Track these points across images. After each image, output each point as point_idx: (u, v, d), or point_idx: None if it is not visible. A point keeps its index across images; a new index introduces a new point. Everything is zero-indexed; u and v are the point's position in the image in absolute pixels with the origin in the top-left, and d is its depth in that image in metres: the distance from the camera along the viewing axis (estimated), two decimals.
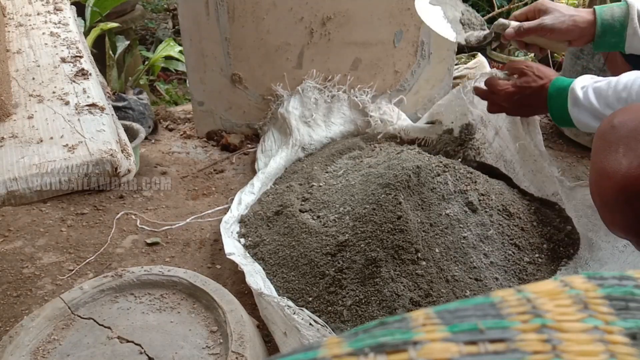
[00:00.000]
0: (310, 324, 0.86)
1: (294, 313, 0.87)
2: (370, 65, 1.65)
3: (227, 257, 1.04)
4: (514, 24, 1.01)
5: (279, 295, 1.00)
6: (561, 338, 0.20)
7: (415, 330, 0.21)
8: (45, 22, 2.02)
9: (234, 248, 1.09)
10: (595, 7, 0.97)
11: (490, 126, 1.33)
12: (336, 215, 1.10)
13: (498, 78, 1.11)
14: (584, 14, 0.97)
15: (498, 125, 1.31)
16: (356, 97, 1.60)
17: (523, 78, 1.04)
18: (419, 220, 1.04)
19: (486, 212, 1.09)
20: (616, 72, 1.05)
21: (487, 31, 1.08)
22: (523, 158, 1.26)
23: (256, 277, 1.00)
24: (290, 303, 0.91)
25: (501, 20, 1.03)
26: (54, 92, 1.59)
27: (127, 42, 2.30)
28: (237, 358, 0.73)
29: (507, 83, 1.07)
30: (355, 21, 1.58)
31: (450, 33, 1.11)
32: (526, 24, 0.99)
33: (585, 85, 0.92)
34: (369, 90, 1.62)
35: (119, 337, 0.79)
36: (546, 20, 0.97)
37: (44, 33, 1.94)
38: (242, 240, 1.18)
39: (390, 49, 1.63)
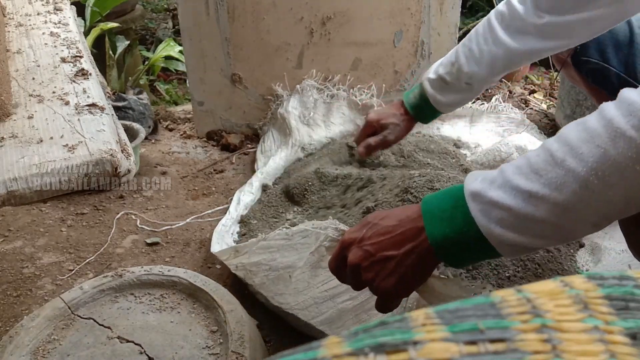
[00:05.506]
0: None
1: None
2: (370, 65, 1.65)
3: (213, 252, 1.05)
4: (361, 145, 1.21)
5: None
6: (561, 338, 0.20)
7: (415, 330, 0.21)
8: (45, 22, 2.02)
9: (225, 245, 1.10)
10: (404, 95, 1.14)
11: None
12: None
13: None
14: (396, 110, 1.14)
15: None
16: (355, 97, 1.60)
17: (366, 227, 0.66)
18: None
19: None
20: (575, 82, 1.08)
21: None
22: None
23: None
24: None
25: (354, 153, 1.29)
26: (54, 92, 1.59)
27: (127, 42, 2.31)
28: (237, 358, 0.73)
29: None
30: (355, 21, 1.58)
31: None
32: (372, 140, 1.18)
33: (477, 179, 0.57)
34: (368, 90, 1.62)
35: (119, 337, 0.79)
36: (389, 136, 1.15)
37: (44, 33, 1.94)
38: (243, 240, 1.18)
39: (390, 49, 1.63)
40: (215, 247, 1.07)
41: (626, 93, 0.50)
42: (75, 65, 1.72)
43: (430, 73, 1.05)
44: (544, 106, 1.94)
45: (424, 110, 1.09)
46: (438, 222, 0.58)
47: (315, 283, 0.89)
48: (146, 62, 2.49)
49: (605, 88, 0.99)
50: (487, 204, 0.54)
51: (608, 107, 0.51)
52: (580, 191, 0.49)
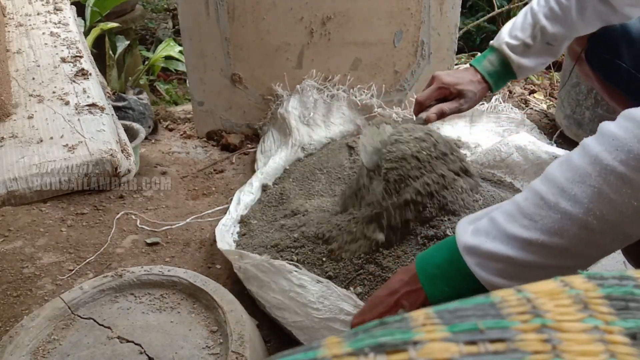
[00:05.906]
0: (318, 281, 0.87)
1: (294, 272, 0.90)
2: (370, 65, 1.65)
3: (220, 249, 1.04)
4: (432, 110, 1.04)
5: None
6: (561, 338, 0.20)
7: (415, 330, 0.21)
8: (45, 22, 2.02)
9: (227, 245, 1.09)
10: (471, 64, 1.05)
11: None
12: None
13: None
14: (472, 77, 1.04)
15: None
16: (355, 97, 1.60)
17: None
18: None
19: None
20: (589, 79, 1.07)
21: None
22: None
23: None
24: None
25: (421, 116, 1.06)
26: (54, 92, 1.59)
27: (127, 42, 2.31)
28: (237, 358, 0.73)
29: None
30: (355, 21, 1.58)
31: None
32: (447, 107, 1.04)
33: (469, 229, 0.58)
34: (368, 90, 1.62)
35: (119, 337, 0.79)
36: (464, 105, 1.04)
37: (44, 33, 1.94)
38: (243, 239, 1.18)
39: (390, 49, 1.63)
40: (221, 245, 1.07)
41: (606, 126, 0.49)
42: (75, 65, 1.72)
43: (507, 38, 1.01)
44: (544, 106, 1.94)
45: (502, 77, 1.04)
46: (435, 281, 0.57)
47: (311, 312, 0.89)
48: (146, 62, 2.49)
49: (617, 85, 0.99)
50: (484, 257, 0.53)
51: (590, 143, 0.50)
52: (581, 233, 0.49)
